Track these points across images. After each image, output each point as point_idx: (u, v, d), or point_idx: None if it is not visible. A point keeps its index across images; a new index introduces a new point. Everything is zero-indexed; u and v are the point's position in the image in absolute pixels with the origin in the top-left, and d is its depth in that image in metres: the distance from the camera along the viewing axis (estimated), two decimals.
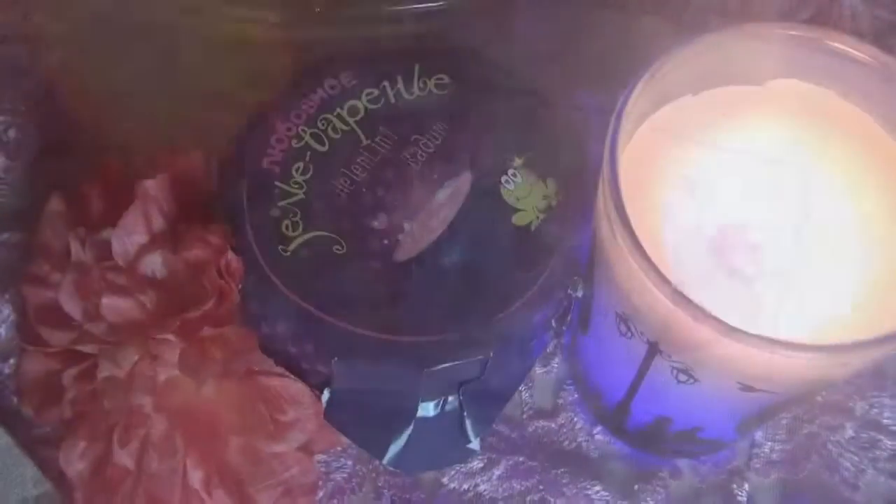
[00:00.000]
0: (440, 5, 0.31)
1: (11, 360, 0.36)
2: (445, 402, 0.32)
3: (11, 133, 0.39)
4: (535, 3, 0.41)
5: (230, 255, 0.31)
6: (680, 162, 0.29)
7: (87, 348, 0.33)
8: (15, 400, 0.35)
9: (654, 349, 0.27)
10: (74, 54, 0.41)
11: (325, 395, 0.31)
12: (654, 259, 0.25)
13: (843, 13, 0.43)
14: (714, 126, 0.29)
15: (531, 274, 0.31)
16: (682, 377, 0.27)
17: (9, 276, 0.37)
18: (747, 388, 0.26)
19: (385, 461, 0.32)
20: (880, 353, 0.24)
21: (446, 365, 0.30)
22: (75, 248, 0.33)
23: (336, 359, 0.30)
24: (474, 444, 0.32)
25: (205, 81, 0.39)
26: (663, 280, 0.24)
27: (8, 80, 0.40)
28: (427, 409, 0.32)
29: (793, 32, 0.28)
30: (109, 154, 0.39)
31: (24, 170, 0.39)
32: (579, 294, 0.31)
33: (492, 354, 0.30)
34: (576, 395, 0.36)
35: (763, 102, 0.29)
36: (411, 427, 0.31)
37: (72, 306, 0.33)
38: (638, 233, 0.25)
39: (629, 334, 0.28)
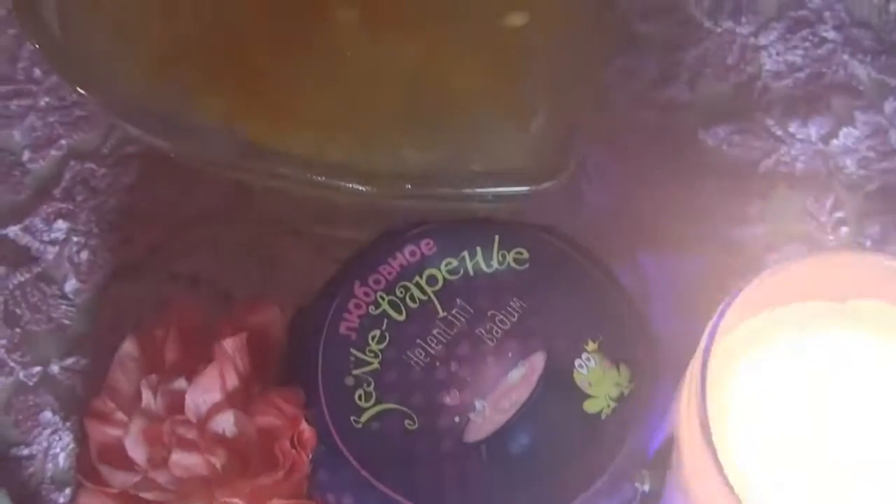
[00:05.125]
0: (525, 191, 0.31)
1: (67, 490, 0.36)
2: None
3: (84, 255, 0.40)
4: (601, 170, 0.42)
5: (304, 425, 0.31)
6: (760, 374, 0.29)
7: (150, 495, 0.33)
8: None
9: None
10: (150, 177, 0.41)
11: None
12: (732, 476, 0.25)
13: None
14: (795, 340, 0.29)
15: (599, 464, 0.31)
16: None
17: (72, 403, 0.37)
18: None
19: None
20: None
21: None
22: (146, 396, 0.33)
23: None
24: None
25: (280, 214, 0.40)
26: None
27: (85, 201, 0.41)
28: None
29: (885, 262, 0.28)
30: (180, 283, 0.40)
31: (94, 293, 0.39)
32: (646, 488, 0.31)
33: None
34: None
35: (845, 320, 0.30)
36: None
37: (137, 452, 0.33)
38: (718, 447, 0.25)
39: None
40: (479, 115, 0.34)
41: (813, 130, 0.43)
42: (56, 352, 0.38)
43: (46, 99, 0.43)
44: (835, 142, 0.43)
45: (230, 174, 0.33)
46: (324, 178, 0.31)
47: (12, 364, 0.38)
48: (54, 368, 0.38)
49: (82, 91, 0.32)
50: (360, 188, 0.31)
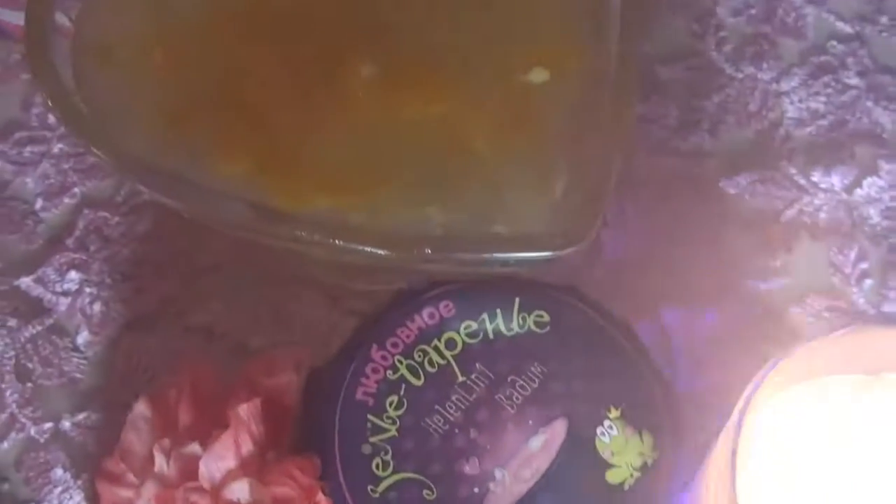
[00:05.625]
0: (548, 256, 0.31)
1: None
2: None
3: (96, 307, 0.39)
4: (621, 220, 0.41)
5: (320, 496, 0.30)
6: (791, 448, 0.28)
7: None
8: None
9: None
10: (164, 226, 0.41)
11: None
12: None
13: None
14: (830, 413, 0.29)
15: None
16: None
17: (83, 460, 0.37)
18: None
19: None
20: None
21: None
22: (159, 460, 0.32)
23: None
24: None
25: (294, 265, 0.40)
26: None
27: (98, 251, 0.40)
28: None
29: None
30: (194, 335, 0.39)
31: (106, 346, 0.39)
32: None
33: None
34: None
35: (884, 393, 0.29)
36: None
37: None
38: None
39: None
40: (502, 175, 0.33)
41: (836, 180, 0.42)
42: (68, 407, 0.38)
43: (60, 145, 0.42)
44: (858, 191, 0.42)
45: (243, 235, 0.33)
46: (342, 243, 0.30)
47: (23, 420, 0.38)
48: (66, 424, 0.37)
49: (93, 149, 0.32)
50: (380, 252, 0.30)
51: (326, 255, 0.32)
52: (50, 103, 0.32)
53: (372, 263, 0.33)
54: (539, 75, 0.34)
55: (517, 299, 0.33)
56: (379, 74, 0.34)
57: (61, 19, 0.35)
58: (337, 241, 0.30)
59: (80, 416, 0.38)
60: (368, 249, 0.31)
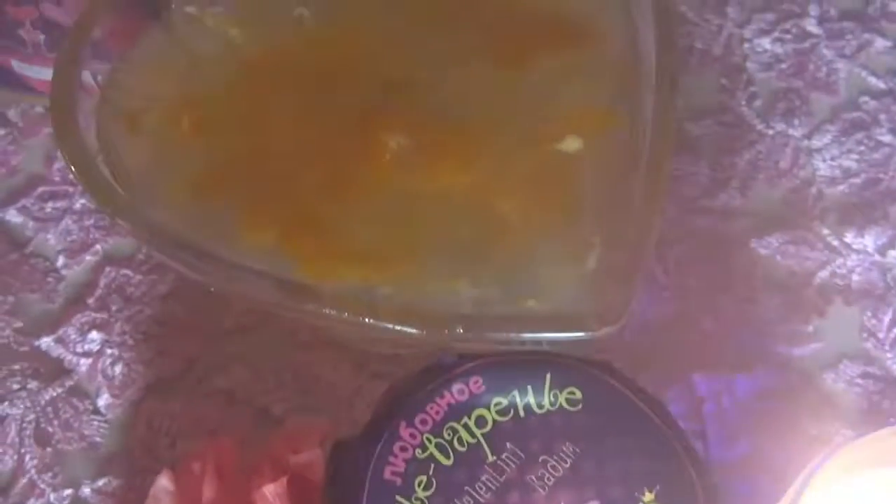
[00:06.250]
0: (582, 337, 0.30)
1: None
2: None
3: (118, 368, 0.39)
4: (650, 282, 0.40)
5: None
6: None
7: None
8: None
9: None
10: (186, 286, 0.40)
11: None
12: None
13: None
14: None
15: None
16: None
17: None
18: None
19: None
20: None
21: None
22: None
23: None
24: None
25: (319, 330, 0.39)
26: None
27: (119, 310, 0.40)
28: None
29: None
30: (216, 399, 0.38)
31: (127, 409, 0.38)
32: None
33: None
34: None
35: None
36: None
37: None
38: None
39: None
40: (533, 246, 0.32)
41: (869, 241, 0.42)
42: (88, 472, 0.37)
43: (82, 201, 0.42)
44: (892, 253, 0.42)
45: (269, 310, 0.32)
46: (372, 321, 0.30)
47: (43, 486, 0.37)
48: (86, 491, 0.37)
49: (117, 219, 0.31)
50: (410, 331, 0.30)
51: (353, 331, 0.31)
52: (72, 170, 0.32)
53: (400, 339, 0.32)
54: (572, 144, 0.34)
55: (548, 375, 0.32)
56: (408, 144, 0.33)
57: (87, 78, 0.35)
58: (367, 320, 0.30)
59: (101, 483, 0.37)
60: (398, 328, 0.30)
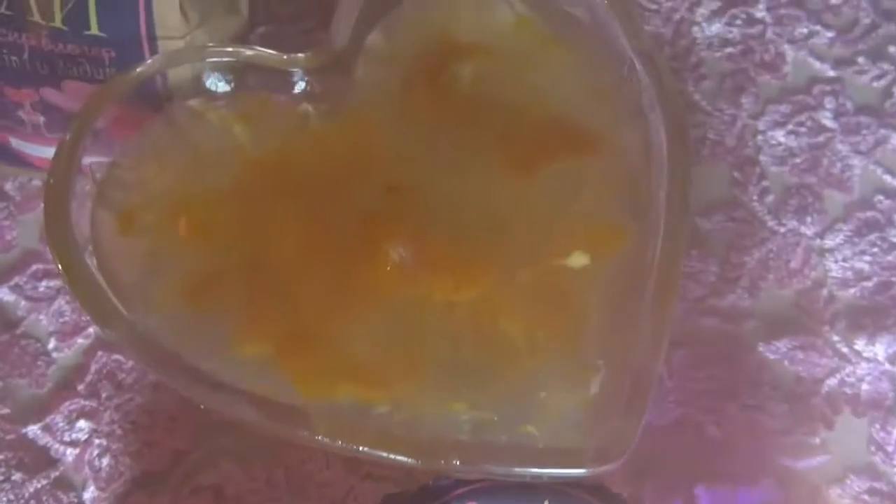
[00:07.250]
0: (582, 473, 0.29)
1: None
2: None
3: (105, 460, 0.38)
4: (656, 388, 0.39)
5: None
6: None
7: None
8: None
9: None
10: None
11: None
12: None
13: None
14: None
15: None
16: None
17: None
18: None
19: None
20: None
21: None
22: None
23: None
24: None
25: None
26: None
27: (109, 398, 0.39)
28: None
29: None
30: (203, 496, 0.37)
31: (112, 503, 0.37)
32: None
33: None
34: None
35: None
36: None
37: None
38: None
39: None
40: (536, 369, 0.31)
41: (880, 349, 0.41)
42: None
43: None
44: None
45: (260, 432, 0.31)
46: (366, 449, 0.29)
47: None
48: None
49: (105, 329, 0.30)
50: (406, 460, 0.29)
51: (346, 453, 0.30)
52: (63, 274, 0.31)
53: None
54: (578, 260, 0.33)
55: (546, 503, 0.32)
56: (410, 255, 0.32)
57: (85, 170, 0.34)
58: (360, 448, 0.29)
59: None
60: (393, 457, 0.29)
